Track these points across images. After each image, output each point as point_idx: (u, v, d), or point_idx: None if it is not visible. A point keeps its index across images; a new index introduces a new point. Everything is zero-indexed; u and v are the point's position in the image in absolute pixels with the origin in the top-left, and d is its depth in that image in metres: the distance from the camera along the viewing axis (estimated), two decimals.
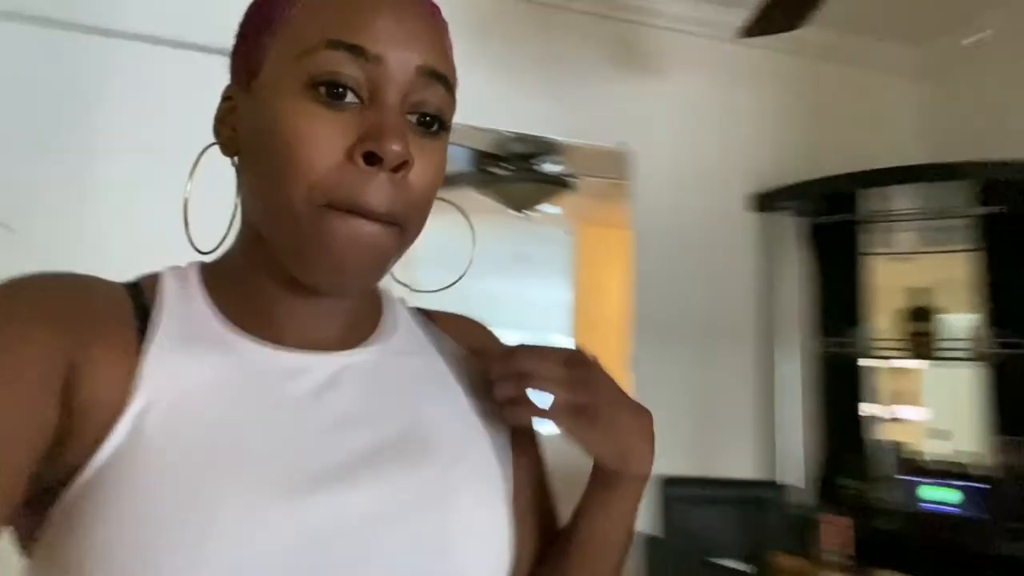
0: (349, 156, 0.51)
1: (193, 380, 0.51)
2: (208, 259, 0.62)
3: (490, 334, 0.73)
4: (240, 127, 0.57)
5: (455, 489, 0.55)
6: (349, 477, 0.51)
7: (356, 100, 0.52)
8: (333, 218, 0.51)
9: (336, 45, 0.51)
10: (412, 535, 0.52)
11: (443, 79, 0.54)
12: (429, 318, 0.70)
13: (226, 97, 0.59)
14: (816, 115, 2.95)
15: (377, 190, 0.51)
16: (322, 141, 0.50)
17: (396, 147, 0.50)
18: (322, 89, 0.51)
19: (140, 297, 0.55)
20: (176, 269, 0.59)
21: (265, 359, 0.55)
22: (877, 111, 3.05)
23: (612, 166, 2.68)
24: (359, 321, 0.62)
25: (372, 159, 0.50)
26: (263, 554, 0.46)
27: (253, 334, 0.56)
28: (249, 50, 0.56)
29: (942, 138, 2.97)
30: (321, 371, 0.56)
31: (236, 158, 0.58)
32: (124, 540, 0.45)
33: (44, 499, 0.48)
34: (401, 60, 0.52)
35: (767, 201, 2.80)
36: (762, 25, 2.05)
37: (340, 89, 0.51)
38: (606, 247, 2.77)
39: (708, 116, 2.83)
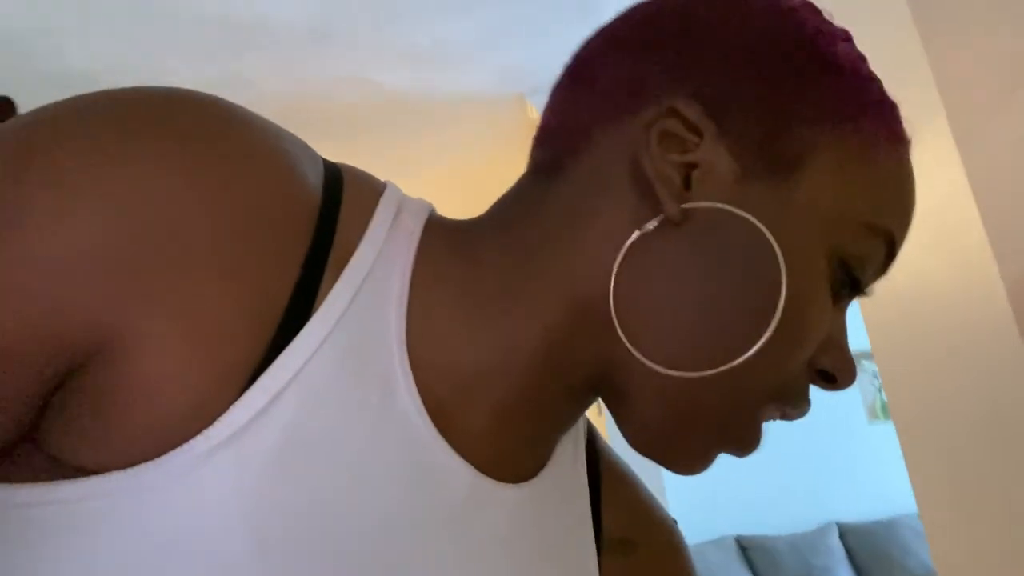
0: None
1: (321, 432, 0.33)
2: (440, 217, 0.42)
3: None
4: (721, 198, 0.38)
5: None
6: None
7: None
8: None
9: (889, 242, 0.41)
10: None
11: None
12: (594, 463, 0.49)
13: (686, 123, 0.38)
14: None
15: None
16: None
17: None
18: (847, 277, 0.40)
19: (331, 224, 0.35)
20: (401, 212, 0.39)
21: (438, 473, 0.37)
22: None
23: None
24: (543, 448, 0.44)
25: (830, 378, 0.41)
26: None
27: (434, 409, 0.37)
28: (789, 114, 0.38)
29: None
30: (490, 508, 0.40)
31: (657, 218, 0.37)
32: None
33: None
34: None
35: None
36: None
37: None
38: None
39: None
